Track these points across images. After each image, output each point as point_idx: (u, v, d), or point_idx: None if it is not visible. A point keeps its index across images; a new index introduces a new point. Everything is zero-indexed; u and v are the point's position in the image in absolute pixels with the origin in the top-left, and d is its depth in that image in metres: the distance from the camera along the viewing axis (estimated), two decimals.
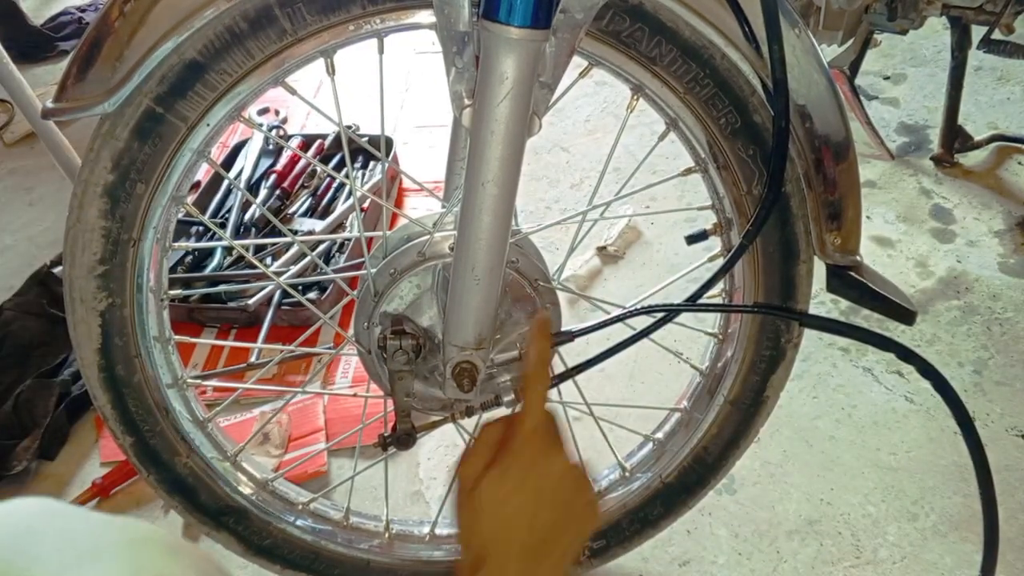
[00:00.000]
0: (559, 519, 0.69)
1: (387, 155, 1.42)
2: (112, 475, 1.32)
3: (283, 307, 1.55)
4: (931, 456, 1.27)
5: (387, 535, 1.07)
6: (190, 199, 1.09)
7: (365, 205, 1.75)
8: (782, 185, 0.79)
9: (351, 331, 0.91)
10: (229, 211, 1.72)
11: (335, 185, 1.79)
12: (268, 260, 1.62)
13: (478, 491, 0.68)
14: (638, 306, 0.86)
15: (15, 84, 1.59)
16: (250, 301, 1.52)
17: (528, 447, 0.69)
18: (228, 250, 1.64)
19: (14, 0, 2.52)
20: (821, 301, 1.48)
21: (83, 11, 2.66)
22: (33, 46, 2.51)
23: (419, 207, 1.82)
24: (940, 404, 0.83)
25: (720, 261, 0.87)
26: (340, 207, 1.73)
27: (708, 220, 0.94)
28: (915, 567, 1.15)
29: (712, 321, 0.98)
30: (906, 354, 0.83)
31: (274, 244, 1.64)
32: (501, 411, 0.91)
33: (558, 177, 1.89)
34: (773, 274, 0.87)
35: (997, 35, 1.38)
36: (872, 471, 1.26)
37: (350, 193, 1.75)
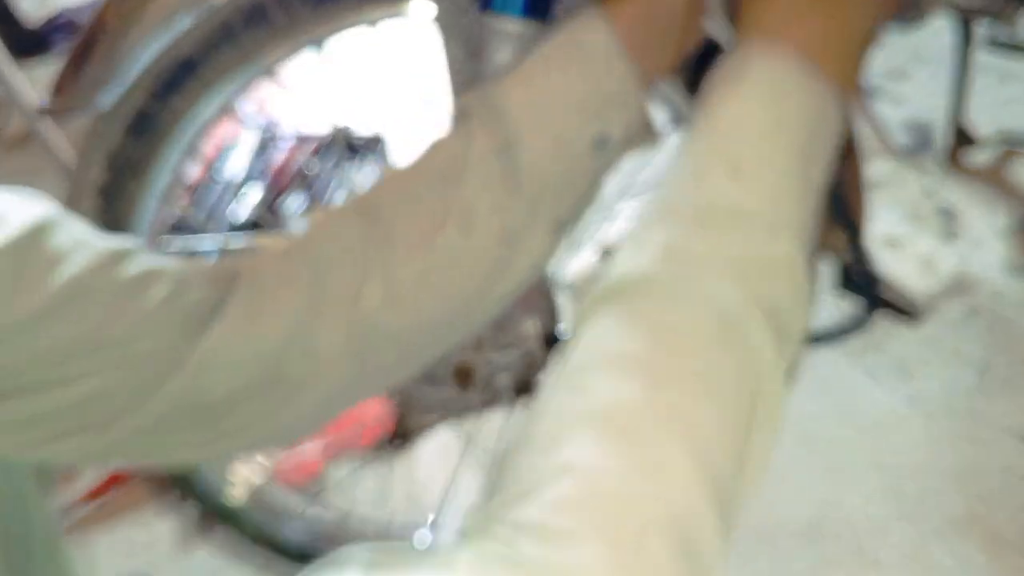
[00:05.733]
0: None
1: (382, 153, 1.41)
2: (108, 482, 1.31)
3: None
4: (932, 458, 1.26)
5: (387, 536, 1.06)
6: (183, 198, 1.08)
7: None
8: None
9: None
10: (222, 209, 1.71)
11: (329, 183, 1.78)
12: None
13: None
14: None
15: (12, 83, 1.58)
16: None
17: None
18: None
19: None
20: (823, 301, 1.47)
21: (80, 10, 2.65)
22: (30, 45, 2.50)
23: None
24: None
25: None
26: None
27: None
28: (916, 568, 1.14)
29: None
30: None
31: None
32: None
33: None
34: None
35: (1002, 35, 1.37)
36: (873, 472, 1.25)
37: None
